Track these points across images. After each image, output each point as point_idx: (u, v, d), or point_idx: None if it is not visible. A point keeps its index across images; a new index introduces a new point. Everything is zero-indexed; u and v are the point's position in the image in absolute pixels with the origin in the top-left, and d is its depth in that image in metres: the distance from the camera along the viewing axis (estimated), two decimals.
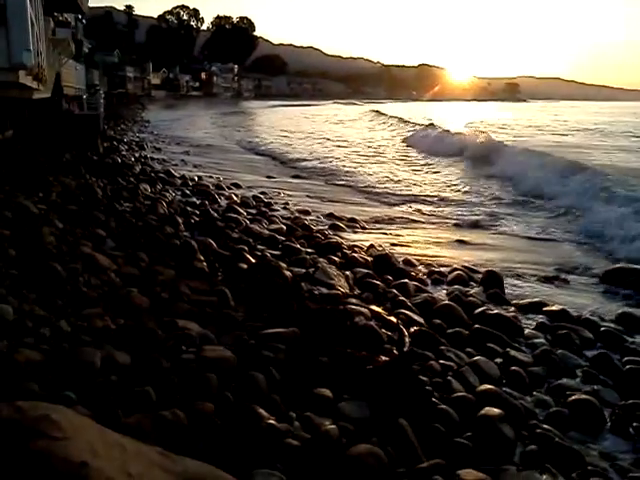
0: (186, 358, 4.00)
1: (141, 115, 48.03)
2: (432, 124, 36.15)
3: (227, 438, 3.17)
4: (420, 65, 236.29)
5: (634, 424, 4.11)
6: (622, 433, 4.05)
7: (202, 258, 6.77)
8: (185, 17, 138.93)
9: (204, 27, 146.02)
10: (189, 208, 10.11)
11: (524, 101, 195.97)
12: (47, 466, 1.79)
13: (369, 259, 7.75)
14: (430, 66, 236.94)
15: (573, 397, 4.38)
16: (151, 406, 3.36)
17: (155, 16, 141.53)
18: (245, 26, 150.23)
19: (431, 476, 3.07)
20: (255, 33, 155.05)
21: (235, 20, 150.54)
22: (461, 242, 9.66)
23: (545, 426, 3.96)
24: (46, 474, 1.77)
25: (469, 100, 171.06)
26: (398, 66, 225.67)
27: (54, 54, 16.65)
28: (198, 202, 10.96)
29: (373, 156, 24.08)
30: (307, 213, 11.15)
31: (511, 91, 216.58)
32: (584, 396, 4.38)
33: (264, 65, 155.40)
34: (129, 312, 4.86)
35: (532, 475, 3.46)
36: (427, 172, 19.54)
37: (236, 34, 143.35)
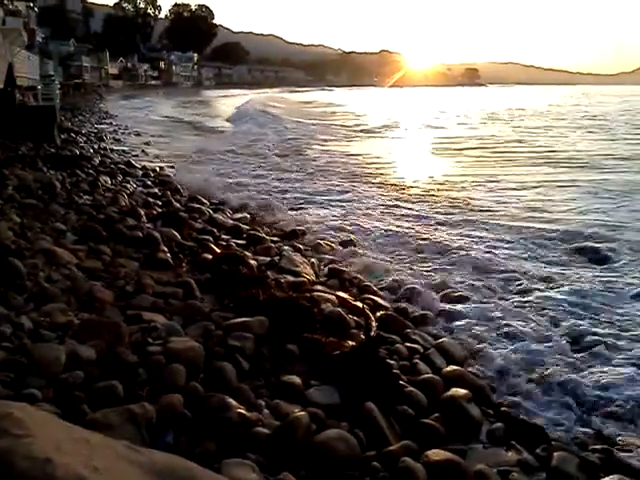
0: (153, 350, 3.96)
1: (99, 106, 46.93)
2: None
3: (197, 429, 3.15)
4: (381, 51, 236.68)
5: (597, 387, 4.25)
6: (583, 401, 4.14)
7: (166, 249, 6.68)
8: (142, 5, 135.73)
9: (162, 15, 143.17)
10: (151, 199, 9.96)
11: (484, 86, 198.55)
12: (10, 464, 1.75)
13: (334, 245, 7.78)
14: (391, 52, 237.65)
15: (536, 373, 4.48)
16: (118, 400, 3.31)
17: (111, 4, 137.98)
18: (204, 14, 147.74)
19: (400, 458, 3.11)
20: (214, 21, 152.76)
21: (193, 8, 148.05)
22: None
23: (510, 404, 4.05)
24: (10, 472, 1.73)
25: (429, 86, 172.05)
26: (359, 53, 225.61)
27: (5, 44, 16.13)
28: (160, 193, 10.81)
29: None
30: (270, 201, 11.10)
31: (471, 76, 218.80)
32: (547, 372, 4.48)
33: (224, 53, 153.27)
34: (93, 306, 4.78)
35: (498, 452, 3.55)
36: None
37: (195, 22, 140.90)
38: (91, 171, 12.32)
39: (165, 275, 5.94)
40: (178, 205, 9.64)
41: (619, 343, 5.10)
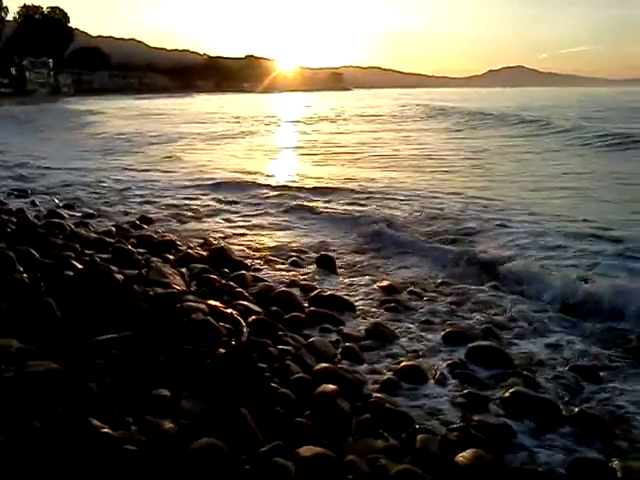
0: (7, 377, 3.70)
1: None
2: None
3: (57, 455, 3.00)
4: (247, 56, 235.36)
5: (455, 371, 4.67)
6: (443, 386, 4.50)
7: (22, 269, 6.26)
8: None
9: (9, 17, 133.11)
10: (5, 216, 9.29)
11: (349, 90, 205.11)
12: None
13: (205, 254, 7.71)
14: (257, 57, 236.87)
15: (401, 364, 4.75)
16: None
17: None
18: (58, 17, 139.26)
19: (271, 458, 3.15)
20: (70, 25, 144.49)
21: (46, 10, 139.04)
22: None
23: (377, 394, 4.25)
24: None
25: (298, 91, 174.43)
26: (225, 58, 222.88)
27: None
28: (15, 209, 10.11)
29: None
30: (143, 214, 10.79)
31: (336, 81, 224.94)
32: (410, 362, 4.77)
33: (83, 58, 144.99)
34: None
35: (367, 442, 3.69)
36: None
37: (48, 25, 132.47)
38: None
39: (21, 296, 5.56)
40: (36, 221, 9.09)
41: None
